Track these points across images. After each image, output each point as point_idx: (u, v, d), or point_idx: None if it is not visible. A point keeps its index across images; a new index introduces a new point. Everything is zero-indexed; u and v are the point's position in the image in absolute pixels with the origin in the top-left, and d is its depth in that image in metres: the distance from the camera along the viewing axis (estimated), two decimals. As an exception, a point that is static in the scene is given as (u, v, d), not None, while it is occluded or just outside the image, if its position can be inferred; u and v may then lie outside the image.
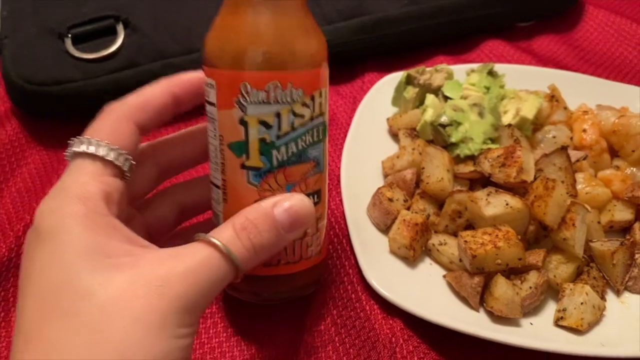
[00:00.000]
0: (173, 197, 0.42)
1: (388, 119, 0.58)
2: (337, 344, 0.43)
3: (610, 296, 0.45)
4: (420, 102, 0.57)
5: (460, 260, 0.45)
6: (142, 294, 0.28)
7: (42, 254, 0.30)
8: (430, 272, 0.46)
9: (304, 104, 0.35)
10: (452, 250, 0.46)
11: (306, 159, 0.36)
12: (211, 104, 0.36)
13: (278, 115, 0.34)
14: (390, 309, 0.44)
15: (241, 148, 0.35)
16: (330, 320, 0.44)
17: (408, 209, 0.49)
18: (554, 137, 0.52)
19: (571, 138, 0.53)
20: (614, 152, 0.53)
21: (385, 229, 0.49)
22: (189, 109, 0.38)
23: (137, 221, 0.39)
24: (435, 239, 0.47)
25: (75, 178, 0.33)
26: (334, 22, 0.63)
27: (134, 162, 0.35)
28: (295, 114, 0.35)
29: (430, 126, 0.53)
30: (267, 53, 0.33)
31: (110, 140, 0.34)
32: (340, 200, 0.51)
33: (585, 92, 0.58)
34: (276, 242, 0.34)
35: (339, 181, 0.53)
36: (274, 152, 0.35)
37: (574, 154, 0.50)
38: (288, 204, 0.34)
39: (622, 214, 0.48)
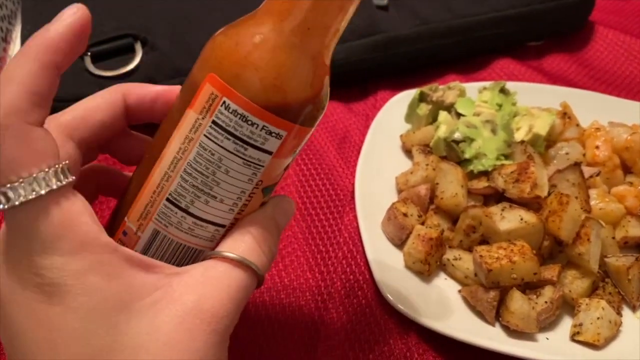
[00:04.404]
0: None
1: (401, 136, 0.58)
2: (351, 359, 0.43)
3: (626, 311, 0.45)
4: (433, 118, 0.58)
5: (476, 275, 0.45)
6: (197, 336, 0.27)
7: (56, 317, 0.26)
8: (445, 287, 0.47)
9: None
10: (467, 265, 0.46)
11: None
12: (264, 151, 0.31)
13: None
14: (405, 323, 0.44)
15: (272, 188, 0.34)
16: (344, 335, 0.44)
17: (422, 224, 0.49)
18: (566, 153, 0.53)
19: (584, 154, 0.53)
20: (626, 169, 0.53)
21: (399, 244, 0.49)
22: (139, 123, 0.34)
23: None
24: (449, 254, 0.47)
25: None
26: (347, 40, 0.64)
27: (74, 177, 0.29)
28: None
29: (444, 142, 0.53)
30: (315, 110, 0.33)
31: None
32: (355, 216, 0.52)
33: (596, 110, 0.58)
34: (278, 242, 0.34)
35: (353, 197, 0.53)
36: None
37: (587, 170, 0.50)
38: (281, 206, 0.35)
39: (636, 229, 0.48)
